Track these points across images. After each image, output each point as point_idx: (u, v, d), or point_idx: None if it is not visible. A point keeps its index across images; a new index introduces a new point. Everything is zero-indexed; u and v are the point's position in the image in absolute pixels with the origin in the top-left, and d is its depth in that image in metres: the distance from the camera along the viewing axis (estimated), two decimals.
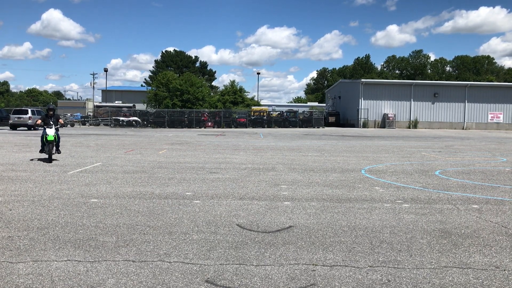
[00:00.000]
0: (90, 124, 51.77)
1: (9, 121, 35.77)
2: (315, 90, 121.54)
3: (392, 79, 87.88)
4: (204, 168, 11.94)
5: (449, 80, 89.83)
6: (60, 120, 13.54)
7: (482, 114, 52.96)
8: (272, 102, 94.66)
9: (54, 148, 13.04)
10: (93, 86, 73.10)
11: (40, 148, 13.19)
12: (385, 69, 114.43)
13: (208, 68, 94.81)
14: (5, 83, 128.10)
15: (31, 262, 4.35)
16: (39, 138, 25.09)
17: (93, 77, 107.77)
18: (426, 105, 52.67)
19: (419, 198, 8.02)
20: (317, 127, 49.66)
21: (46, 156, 13.13)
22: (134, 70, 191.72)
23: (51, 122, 13.06)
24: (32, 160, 13.35)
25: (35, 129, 35.44)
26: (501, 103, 52.80)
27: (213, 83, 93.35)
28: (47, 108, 13.73)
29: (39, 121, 13.45)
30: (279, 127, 48.68)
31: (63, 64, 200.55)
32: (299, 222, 6.14)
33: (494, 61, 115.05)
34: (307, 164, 13.10)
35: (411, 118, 52.44)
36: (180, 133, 34.82)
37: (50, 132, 12.75)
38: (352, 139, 28.23)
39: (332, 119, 58.53)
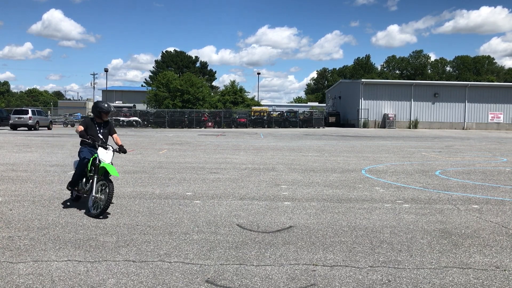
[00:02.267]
0: None
1: (10, 121, 35.75)
2: (315, 90, 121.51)
3: (392, 79, 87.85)
4: (204, 168, 11.94)
5: (449, 80, 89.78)
6: (115, 136, 7.09)
7: (482, 114, 52.93)
8: (273, 102, 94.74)
9: (106, 198, 6.12)
10: (94, 86, 73.21)
11: (71, 179, 6.86)
12: (385, 69, 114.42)
13: (209, 68, 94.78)
14: (6, 83, 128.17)
15: (31, 262, 4.35)
16: (40, 138, 24.88)
17: (94, 77, 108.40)
18: (426, 105, 52.65)
19: (420, 198, 8.01)
20: (317, 127, 49.64)
21: (80, 194, 6.95)
22: (134, 70, 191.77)
23: (100, 136, 6.91)
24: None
25: (35, 129, 35.30)
26: (501, 103, 52.77)
27: (214, 83, 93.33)
28: (101, 110, 6.93)
29: (81, 128, 6.77)
30: (279, 127, 48.68)
31: (64, 64, 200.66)
32: (299, 222, 6.13)
33: (494, 61, 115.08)
34: (308, 164, 13.10)
35: (411, 118, 52.41)
36: (181, 133, 34.83)
37: (106, 157, 6.49)
38: (352, 139, 28.23)
39: (332, 119, 58.50)
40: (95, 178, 6.41)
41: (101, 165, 6.40)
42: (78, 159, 6.87)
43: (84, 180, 6.79)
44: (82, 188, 6.81)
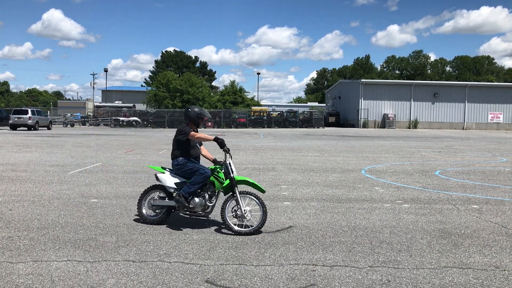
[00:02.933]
0: (90, 124, 51.79)
1: (9, 121, 35.75)
2: (315, 90, 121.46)
3: (392, 79, 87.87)
4: None
5: (449, 80, 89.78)
6: (203, 147, 6.45)
7: (482, 114, 52.95)
8: (272, 102, 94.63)
9: (262, 212, 5.58)
10: (93, 86, 73.12)
11: (183, 197, 5.68)
12: (385, 69, 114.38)
13: (208, 68, 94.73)
14: (5, 83, 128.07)
15: (31, 262, 4.35)
16: (40, 138, 24.86)
17: (93, 77, 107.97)
18: (426, 105, 52.66)
19: (419, 198, 8.02)
20: (317, 127, 49.64)
21: (190, 212, 5.86)
22: (134, 70, 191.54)
23: (198, 145, 6.21)
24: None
25: (35, 129, 35.29)
26: (501, 103, 52.78)
27: (213, 83, 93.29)
28: (202, 116, 6.11)
29: (198, 135, 5.98)
30: (279, 127, 48.68)
31: (64, 64, 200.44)
32: (299, 222, 6.14)
33: (494, 61, 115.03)
34: (307, 164, 13.10)
35: (411, 118, 52.42)
36: None
37: (235, 168, 5.91)
38: (352, 139, 28.23)
39: (332, 119, 58.51)
40: (238, 192, 5.61)
41: (240, 178, 5.70)
42: (174, 173, 5.94)
43: (206, 195, 5.78)
44: (200, 205, 5.71)
